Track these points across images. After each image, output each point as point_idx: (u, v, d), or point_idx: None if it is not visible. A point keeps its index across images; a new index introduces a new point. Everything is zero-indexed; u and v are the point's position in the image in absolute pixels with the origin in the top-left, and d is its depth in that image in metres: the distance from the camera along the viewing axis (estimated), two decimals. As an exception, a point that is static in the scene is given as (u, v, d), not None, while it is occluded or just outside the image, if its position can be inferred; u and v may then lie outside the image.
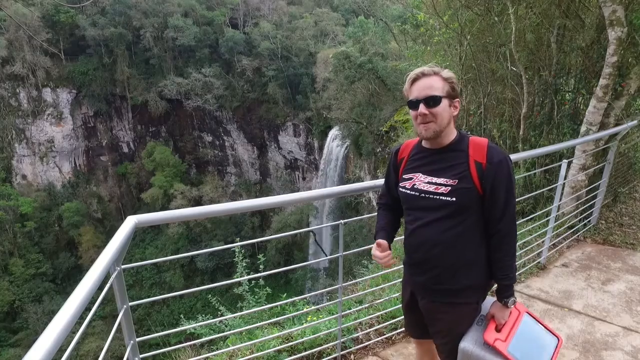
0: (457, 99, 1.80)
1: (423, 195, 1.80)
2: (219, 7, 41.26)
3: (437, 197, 1.76)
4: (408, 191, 1.87)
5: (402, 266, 2.09)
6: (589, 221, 5.02)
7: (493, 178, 1.72)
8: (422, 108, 1.73)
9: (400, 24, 18.98)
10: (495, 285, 1.88)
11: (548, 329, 1.91)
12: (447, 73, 1.76)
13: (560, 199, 4.38)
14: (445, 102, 1.74)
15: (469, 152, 1.78)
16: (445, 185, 1.75)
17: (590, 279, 3.99)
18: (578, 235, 4.82)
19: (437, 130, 1.75)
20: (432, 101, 1.72)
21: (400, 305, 2.18)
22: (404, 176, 1.93)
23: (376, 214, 2.15)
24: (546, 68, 5.26)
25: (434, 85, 1.73)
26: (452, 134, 1.83)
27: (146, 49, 39.10)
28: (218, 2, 41.49)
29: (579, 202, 4.83)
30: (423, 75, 1.76)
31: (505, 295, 1.82)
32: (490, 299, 1.92)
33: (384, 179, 2.17)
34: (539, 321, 1.93)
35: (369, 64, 22.01)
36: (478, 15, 6.11)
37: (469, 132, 1.91)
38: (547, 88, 5.30)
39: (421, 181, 1.83)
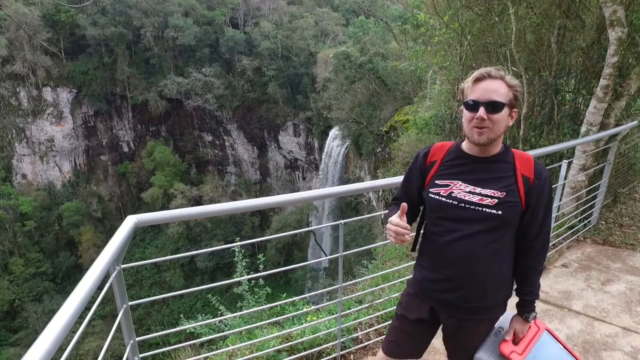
0: (516, 110, 1.68)
1: (463, 205, 1.66)
2: (219, 6, 41.27)
3: (482, 209, 1.64)
4: (443, 198, 1.71)
5: (401, 266, 2.05)
6: (589, 221, 5.02)
7: (538, 194, 1.65)
8: (481, 112, 1.59)
9: (400, 24, 18.97)
10: (517, 299, 1.83)
11: (568, 350, 1.87)
12: (512, 80, 1.64)
13: (560, 199, 4.38)
14: (505, 111, 1.61)
15: (516, 165, 1.68)
16: (492, 197, 1.63)
17: (590, 279, 3.99)
18: (578, 236, 4.82)
19: (491, 137, 1.62)
20: (493, 107, 1.59)
21: (399, 317, 1.97)
22: (436, 182, 1.76)
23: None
24: (546, 68, 5.26)
25: (499, 90, 1.60)
26: (499, 145, 1.71)
27: (146, 48, 39.12)
28: (218, 1, 41.50)
29: (579, 202, 4.83)
30: (489, 76, 1.62)
31: (527, 310, 1.78)
32: (508, 311, 1.88)
33: (402, 180, 1.99)
34: (559, 340, 1.88)
35: (369, 64, 22.01)
36: (478, 16, 6.11)
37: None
38: (547, 88, 5.30)
39: (461, 190, 1.68)
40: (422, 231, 1.92)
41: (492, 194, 1.64)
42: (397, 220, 1.67)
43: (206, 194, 39.34)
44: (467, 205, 1.66)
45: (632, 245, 4.63)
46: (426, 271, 1.83)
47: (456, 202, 1.68)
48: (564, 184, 4.43)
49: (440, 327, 1.93)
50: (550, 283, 3.93)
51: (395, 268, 3.52)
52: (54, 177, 39.16)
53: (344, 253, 2.63)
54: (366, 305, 3.32)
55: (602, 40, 4.67)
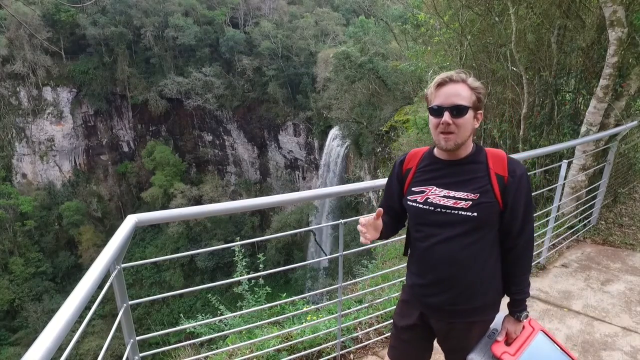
0: (481, 111, 1.68)
1: (439, 210, 1.67)
2: (219, 6, 41.26)
3: (457, 212, 1.64)
4: (420, 205, 1.72)
5: (401, 266, 2.05)
6: (589, 221, 5.02)
7: (515, 191, 1.64)
8: (446, 117, 1.59)
9: (400, 23, 18.98)
10: (508, 299, 1.82)
11: (564, 351, 1.84)
12: (474, 82, 1.64)
13: (560, 199, 4.38)
14: (470, 113, 1.61)
15: (488, 164, 1.67)
16: (466, 200, 1.63)
17: (589, 279, 4.00)
18: (578, 236, 4.82)
19: (458, 142, 1.63)
20: (457, 110, 1.59)
21: (395, 326, 1.98)
22: (412, 189, 1.77)
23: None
24: (546, 68, 5.26)
25: (462, 94, 1.60)
26: (470, 146, 1.71)
27: (147, 48, 39.12)
28: (219, 1, 41.50)
29: (579, 202, 4.83)
30: (450, 80, 1.62)
31: (518, 309, 1.76)
32: (500, 312, 1.86)
33: (383, 191, 1.99)
34: (555, 342, 1.85)
35: (369, 63, 22.01)
36: (479, 15, 6.11)
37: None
38: (547, 88, 5.30)
39: (436, 195, 1.69)
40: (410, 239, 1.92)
41: (466, 197, 1.64)
42: (365, 222, 1.72)
43: (206, 193, 39.34)
44: (442, 210, 1.67)
45: (632, 245, 4.63)
46: (414, 277, 1.84)
47: (432, 208, 1.69)
48: (564, 184, 4.43)
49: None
50: (550, 283, 3.93)
51: (395, 268, 3.53)
52: (54, 176, 39.16)
53: (344, 253, 2.63)
54: (366, 304, 3.32)
55: (602, 40, 4.67)
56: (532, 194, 4.67)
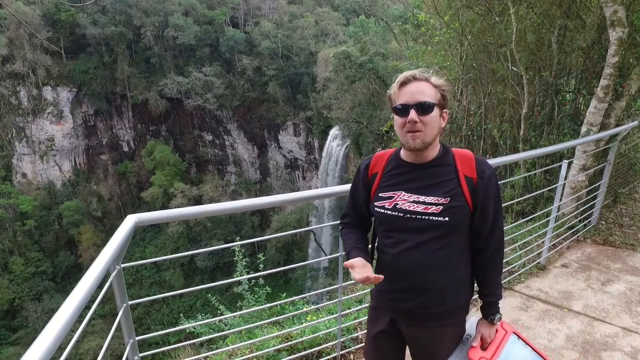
0: (446, 110, 1.64)
1: (409, 216, 1.62)
2: (219, 6, 41.25)
3: (427, 217, 1.59)
4: (388, 212, 1.66)
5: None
6: (589, 222, 5.02)
7: (484, 193, 1.61)
8: (412, 114, 1.54)
9: (401, 23, 18.97)
10: (480, 302, 1.79)
11: (537, 351, 1.83)
12: (437, 80, 1.60)
13: (561, 200, 4.38)
14: (436, 111, 1.57)
15: (457, 166, 1.63)
16: (437, 205, 1.58)
17: (590, 279, 3.99)
18: (578, 236, 4.82)
19: (425, 141, 1.57)
20: (423, 108, 1.54)
21: (367, 335, 1.94)
22: (380, 194, 1.70)
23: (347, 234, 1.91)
24: (547, 68, 5.26)
25: (426, 91, 1.56)
26: (437, 147, 1.66)
27: (147, 47, 39.09)
28: (219, 1, 41.48)
29: (579, 202, 4.83)
30: (414, 79, 1.58)
31: (491, 312, 1.74)
32: (473, 317, 1.85)
33: (348, 197, 1.92)
34: (527, 343, 1.85)
35: (369, 63, 22.01)
36: (479, 15, 6.11)
37: (452, 140, 1.79)
38: (547, 88, 5.30)
39: (405, 200, 1.63)
40: (376, 244, 1.88)
41: (436, 201, 1.59)
42: (356, 275, 1.58)
43: (206, 193, 39.33)
44: (412, 216, 1.62)
45: (632, 246, 4.63)
46: (383, 282, 1.74)
47: (402, 214, 1.63)
48: (564, 184, 4.43)
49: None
50: (550, 283, 3.93)
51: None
52: (54, 176, 39.15)
53: (344, 253, 2.62)
54: (366, 304, 3.31)
55: (603, 40, 4.67)
56: (532, 194, 4.71)
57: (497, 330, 1.79)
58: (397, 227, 1.67)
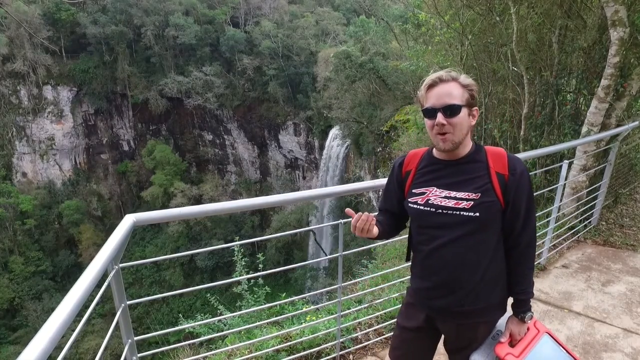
0: (476, 108, 1.66)
1: (440, 211, 1.65)
2: (220, 5, 41.24)
3: (458, 212, 1.61)
4: (421, 207, 1.70)
5: (401, 266, 2.03)
6: (590, 222, 5.01)
7: (516, 189, 1.62)
8: (440, 118, 1.58)
9: (401, 23, 18.96)
10: (511, 299, 1.80)
11: (570, 354, 1.81)
12: (465, 79, 1.62)
13: (561, 200, 4.37)
14: (464, 112, 1.60)
15: (488, 163, 1.65)
16: (467, 200, 1.61)
17: (590, 280, 3.98)
18: (578, 236, 4.81)
19: (455, 142, 1.61)
20: (451, 110, 1.57)
21: (399, 327, 1.97)
22: (413, 190, 1.75)
23: (377, 212, 1.98)
24: (547, 68, 5.25)
25: (453, 93, 1.58)
26: (469, 145, 1.69)
27: (147, 47, 39.08)
28: (219, 0, 41.48)
29: (580, 203, 4.82)
30: (441, 81, 1.61)
31: (522, 310, 1.73)
32: (506, 313, 1.84)
33: (382, 193, 1.98)
34: (561, 344, 1.82)
35: (369, 63, 21.99)
36: (479, 15, 6.10)
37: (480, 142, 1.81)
38: (548, 88, 5.28)
39: (437, 196, 1.67)
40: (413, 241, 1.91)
41: (467, 197, 1.62)
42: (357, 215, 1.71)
43: (206, 193, 39.34)
44: (444, 211, 1.65)
45: (633, 246, 4.62)
46: (418, 280, 1.83)
47: (434, 209, 1.67)
48: (565, 184, 4.42)
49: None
50: (550, 284, 3.92)
51: (395, 268, 3.51)
52: (54, 175, 39.15)
53: (343, 253, 2.62)
54: (366, 305, 3.31)
55: (604, 40, 4.65)
56: (533, 194, 4.70)
57: (528, 329, 1.78)
58: (429, 223, 1.70)
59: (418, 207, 1.71)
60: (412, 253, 1.91)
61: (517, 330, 1.75)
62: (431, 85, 1.63)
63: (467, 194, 1.62)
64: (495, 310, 1.77)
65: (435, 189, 1.69)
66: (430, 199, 1.69)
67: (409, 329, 1.90)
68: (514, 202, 1.63)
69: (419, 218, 1.73)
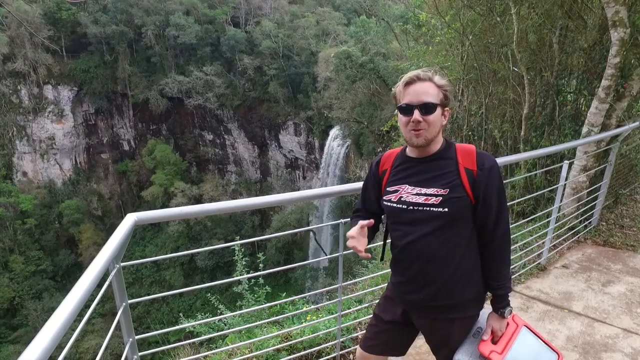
0: (448, 108, 1.71)
1: (411, 208, 1.70)
2: (220, 5, 41.24)
3: (428, 208, 1.66)
4: (394, 204, 1.75)
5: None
6: (590, 222, 5.01)
7: (485, 185, 1.65)
8: (416, 114, 1.63)
9: (402, 23, 18.95)
10: (490, 295, 1.81)
11: (548, 344, 1.84)
12: (440, 80, 1.68)
13: (561, 200, 4.37)
14: (438, 110, 1.65)
15: (457, 159, 1.69)
16: (436, 196, 1.65)
17: (590, 280, 3.99)
18: (579, 237, 4.81)
19: (428, 137, 1.66)
20: (426, 108, 1.63)
21: (375, 318, 2.01)
22: (387, 189, 1.80)
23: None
24: (548, 69, 5.25)
25: (429, 92, 1.64)
26: (439, 142, 1.74)
27: (147, 47, 39.09)
28: (220, 0, 41.47)
29: (580, 203, 4.82)
30: (418, 79, 1.66)
31: (501, 305, 1.76)
32: (485, 310, 1.86)
33: (361, 193, 2.01)
34: (538, 336, 1.86)
35: (370, 63, 22.00)
36: (480, 16, 6.10)
37: (453, 139, 1.84)
38: (548, 89, 5.29)
39: (408, 193, 1.72)
40: (389, 239, 1.94)
41: (436, 192, 1.66)
42: (354, 234, 1.73)
43: (206, 192, 39.32)
44: (415, 208, 1.69)
45: (633, 247, 4.62)
46: (395, 275, 1.88)
47: (405, 206, 1.72)
48: (565, 184, 4.42)
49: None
50: (550, 284, 3.92)
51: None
52: (55, 175, 39.16)
53: (344, 252, 2.62)
54: (366, 304, 3.31)
55: (604, 40, 4.66)
56: (533, 194, 4.70)
57: (508, 324, 1.80)
58: (401, 220, 1.75)
59: (392, 204, 1.76)
60: (388, 250, 1.95)
61: (498, 327, 1.77)
62: (409, 83, 1.68)
63: (436, 189, 1.67)
64: (470, 305, 1.79)
65: (407, 186, 1.74)
66: (402, 196, 1.73)
67: (385, 321, 1.95)
68: (485, 198, 1.66)
69: (393, 215, 1.78)
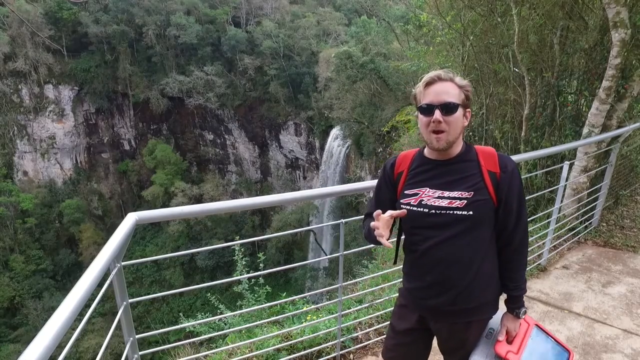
0: (469, 110, 1.69)
1: (434, 211, 1.65)
2: (221, 5, 41.25)
3: (452, 212, 1.62)
4: (414, 208, 1.70)
5: (401, 266, 2.02)
6: (590, 223, 5.01)
7: (508, 187, 1.64)
8: (437, 114, 1.58)
9: (402, 24, 18.97)
10: (505, 296, 1.81)
11: (559, 342, 1.86)
12: (461, 81, 1.65)
13: (562, 201, 4.37)
14: (460, 111, 1.62)
15: (480, 161, 1.67)
16: (461, 199, 1.62)
17: (590, 281, 3.99)
18: (579, 237, 4.81)
19: (449, 141, 1.62)
20: (448, 108, 1.59)
21: (392, 329, 1.96)
22: (405, 192, 1.75)
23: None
24: (549, 69, 5.25)
25: (451, 92, 1.60)
26: (460, 144, 1.70)
27: (148, 46, 39.11)
28: (221, 0, 41.50)
29: (580, 204, 4.82)
30: (439, 79, 1.62)
31: (516, 306, 1.76)
32: (498, 310, 1.86)
33: (372, 196, 1.96)
34: (549, 334, 1.87)
35: (371, 63, 22.00)
36: (481, 16, 6.10)
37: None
38: (549, 89, 5.28)
39: (430, 196, 1.67)
40: (402, 243, 1.91)
41: (460, 195, 1.63)
42: (383, 223, 1.61)
43: (207, 192, 39.33)
44: (437, 211, 1.65)
45: (633, 248, 4.62)
46: (412, 280, 1.84)
47: (427, 210, 1.67)
48: (566, 185, 4.42)
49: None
50: (550, 284, 3.92)
51: (395, 268, 3.51)
52: (55, 174, 39.19)
53: (344, 252, 2.62)
54: (366, 304, 3.32)
55: (605, 41, 4.65)
56: (534, 195, 4.70)
57: (520, 324, 1.81)
58: (422, 224, 1.70)
59: (411, 208, 1.71)
60: (403, 255, 1.92)
61: (512, 327, 1.77)
62: (429, 83, 1.64)
63: (460, 192, 1.64)
64: (489, 308, 1.79)
65: (428, 189, 1.70)
66: (423, 200, 1.69)
67: (402, 331, 1.90)
68: (507, 200, 1.66)
69: (412, 219, 1.72)
